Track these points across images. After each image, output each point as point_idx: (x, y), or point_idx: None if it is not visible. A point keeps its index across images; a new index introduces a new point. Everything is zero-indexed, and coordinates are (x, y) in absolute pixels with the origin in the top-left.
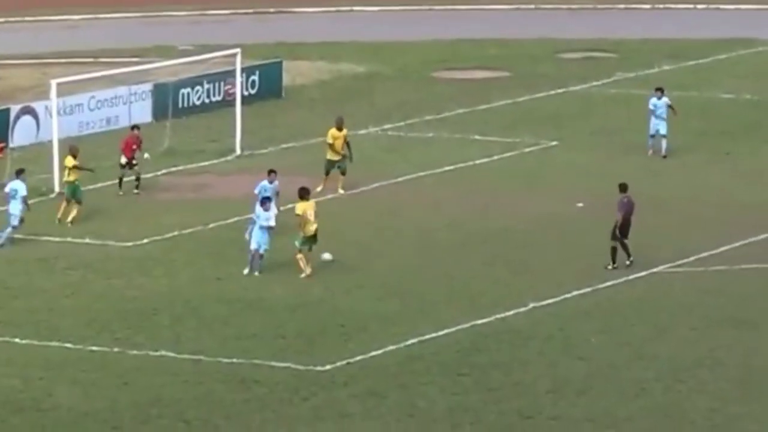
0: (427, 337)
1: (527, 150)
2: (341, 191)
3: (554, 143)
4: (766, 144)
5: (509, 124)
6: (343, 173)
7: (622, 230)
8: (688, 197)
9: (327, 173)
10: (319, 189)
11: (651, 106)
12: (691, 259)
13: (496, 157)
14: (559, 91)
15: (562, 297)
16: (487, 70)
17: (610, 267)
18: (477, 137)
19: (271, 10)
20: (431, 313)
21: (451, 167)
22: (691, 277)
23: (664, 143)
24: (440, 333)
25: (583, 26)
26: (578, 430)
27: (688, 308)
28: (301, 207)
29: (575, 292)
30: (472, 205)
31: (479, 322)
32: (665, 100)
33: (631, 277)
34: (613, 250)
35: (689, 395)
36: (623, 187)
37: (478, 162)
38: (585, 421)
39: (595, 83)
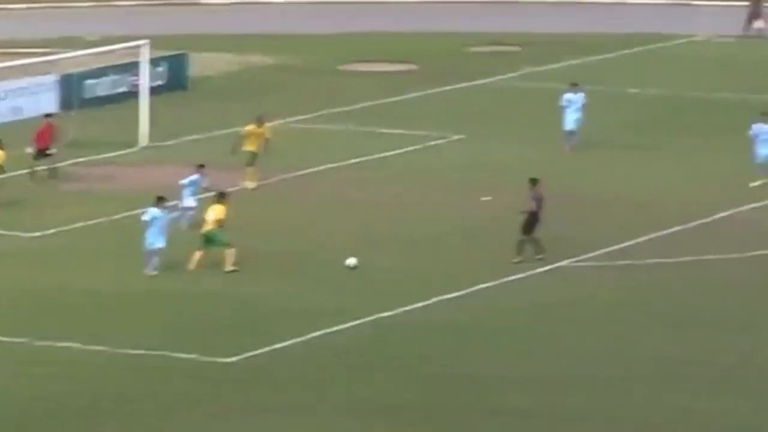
0: (333, 329)
1: (434, 143)
2: (248, 184)
3: (461, 137)
4: (671, 138)
5: (416, 118)
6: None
7: (528, 225)
8: (594, 192)
9: (250, 164)
10: (249, 184)
11: (564, 102)
12: (596, 253)
13: (403, 150)
14: (466, 84)
15: (468, 290)
16: (395, 64)
17: (515, 260)
18: (384, 130)
19: (179, 1)
20: (337, 305)
21: (359, 160)
22: (596, 272)
23: (574, 138)
24: (345, 325)
25: (490, 20)
26: (485, 422)
27: (593, 302)
28: (216, 209)
29: (480, 286)
30: (379, 198)
31: (384, 314)
32: (581, 95)
33: (536, 271)
34: (520, 243)
35: (594, 390)
36: (534, 181)
37: (385, 155)
38: (490, 414)
39: (502, 77)
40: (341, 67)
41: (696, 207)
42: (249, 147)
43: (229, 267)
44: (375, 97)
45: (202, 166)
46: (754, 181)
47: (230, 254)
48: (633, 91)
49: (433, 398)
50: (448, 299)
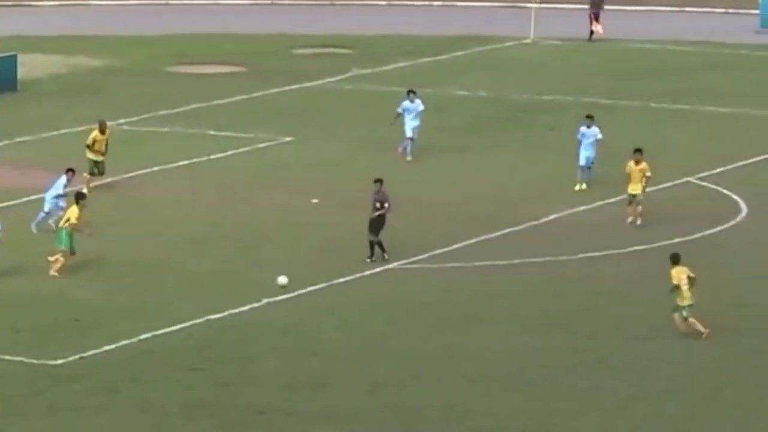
0: (162, 331)
1: (262, 146)
2: (86, 189)
3: (289, 139)
4: (500, 140)
5: (244, 120)
6: (102, 173)
7: (374, 225)
8: (424, 194)
9: (92, 173)
10: (85, 190)
11: (400, 110)
12: (426, 255)
13: (231, 153)
14: (294, 87)
15: (297, 292)
16: (222, 65)
17: (368, 260)
18: (212, 132)
19: (8, 3)
20: (166, 307)
21: (187, 162)
22: (426, 274)
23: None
24: (175, 327)
25: (319, 22)
26: (313, 426)
27: (423, 304)
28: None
29: (310, 288)
30: (207, 201)
31: (214, 317)
32: (418, 102)
33: (366, 273)
34: (371, 243)
35: (424, 391)
36: (378, 182)
37: (213, 157)
38: (320, 417)
39: (330, 79)
40: (169, 69)
41: (526, 209)
42: (92, 156)
43: (53, 272)
44: (203, 99)
45: (71, 170)
46: (576, 185)
47: (60, 260)
48: (463, 93)
49: (237, 399)
50: (278, 301)
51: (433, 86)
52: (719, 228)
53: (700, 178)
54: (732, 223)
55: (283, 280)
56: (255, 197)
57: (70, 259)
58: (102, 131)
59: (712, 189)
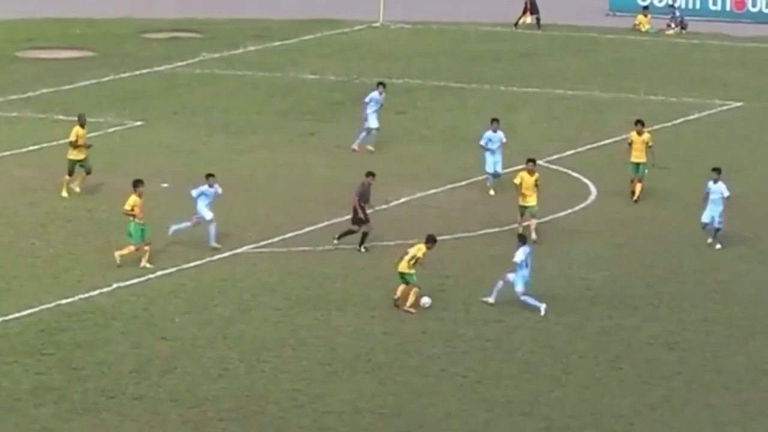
0: (10, 316)
1: (112, 130)
2: (77, 188)
3: (139, 123)
4: (349, 123)
5: (94, 104)
6: (88, 172)
7: (354, 215)
8: (273, 177)
9: (71, 173)
10: (77, 190)
11: (367, 99)
12: (275, 239)
13: None
14: (144, 71)
15: (147, 277)
16: (72, 50)
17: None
18: (61, 117)
19: None
20: (14, 292)
21: (36, 147)
22: (274, 258)
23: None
24: (24, 312)
25: (168, 6)
26: (161, 410)
27: (272, 289)
28: None
29: (159, 273)
30: (56, 185)
31: (63, 301)
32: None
33: (215, 258)
34: (364, 233)
35: (273, 375)
36: (369, 174)
37: (62, 142)
38: (168, 401)
39: (180, 63)
40: (18, 54)
41: (376, 192)
42: (75, 155)
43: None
44: (53, 84)
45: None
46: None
47: (131, 250)
48: (312, 77)
49: (87, 383)
50: (127, 286)
51: (282, 70)
52: (569, 211)
53: (550, 161)
54: (582, 205)
55: (426, 301)
56: (104, 181)
57: (140, 250)
58: (82, 125)
59: (563, 172)
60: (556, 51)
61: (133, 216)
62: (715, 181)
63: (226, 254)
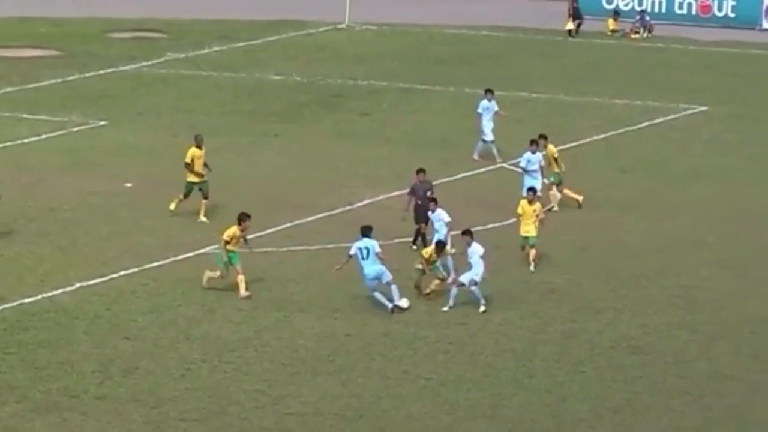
0: None
1: (76, 129)
2: (203, 219)
3: (103, 123)
4: (313, 125)
5: (59, 104)
6: (205, 197)
7: (418, 215)
8: (238, 178)
9: (186, 195)
10: (204, 219)
11: (480, 110)
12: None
13: (44, 136)
14: (109, 70)
15: (110, 276)
16: (36, 49)
17: (413, 247)
18: (26, 116)
19: None
20: None
21: (0, 146)
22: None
23: None
24: None
25: (133, 5)
26: (124, 410)
27: (235, 290)
28: None
29: (122, 272)
30: (20, 184)
31: (26, 300)
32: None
33: (179, 257)
34: (418, 230)
35: (235, 376)
36: (421, 171)
37: (26, 141)
38: (131, 401)
39: (145, 63)
40: None
41: (340, 194)
42: (193, 177)
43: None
44: (17, 83)
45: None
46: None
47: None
48: (277, 78)
49: (49, 383)
50: (90, 285)
51: (247, 71)
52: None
53: (514, 164)
54: (545, 209)
55: (404, 303)
56: (68, 180)
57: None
58: (199, 146)
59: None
60: (522, 54)
61: (227, 244)
62: (533, 152)
63: (190, 254)
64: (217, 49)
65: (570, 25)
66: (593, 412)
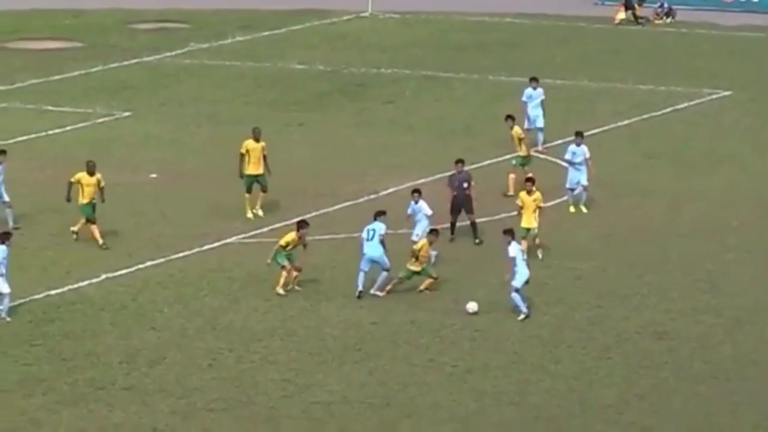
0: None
1: (100, 121)
2: (259, 211)
3: (127, 114)
4: (336, 113)
5: (82, 95)
6: (264, 190)
7: (453, 207)
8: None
9: (249, 191)
10: (260, 212)
11: (524, 98)
12: (264, 230)
13: (69, 128)
14: (132, 61)
15: (135, 267)
16: (60, 41)
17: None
18: (50, 108)
19: None
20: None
21: (24, 138)
22: (263, 248)
23: None
24: (13, 303)
25: None
26: (150, 401)
27: (261, 279)
28: None
29: (148, 263)
30: (45, 176)
31: (52, 292)
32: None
33: (204, 248)
34: (453, 224)
35: (261, 365)
36: (460, 162)
37: (50, 132)
38: (157, 392)
39: (167, 54)
40: (7, 45)
41: (364, 182)
42: (254, 167)
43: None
44: (41, 75)
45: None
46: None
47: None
48: (301, 67)
49: (76, 374)
50: (116, 277)
51: (270, 60)
52: (558, 200)
53: (538, 151)
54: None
55: (473, 306)
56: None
57: (289, 274)
58: (257, 139)
59: (551, 162)
60: (544, 41)
61: (283, 249)
62: (578, 144)
63: (215, 245)
64: (239, 38)
65: (621, 15)
66: (620, 398)
